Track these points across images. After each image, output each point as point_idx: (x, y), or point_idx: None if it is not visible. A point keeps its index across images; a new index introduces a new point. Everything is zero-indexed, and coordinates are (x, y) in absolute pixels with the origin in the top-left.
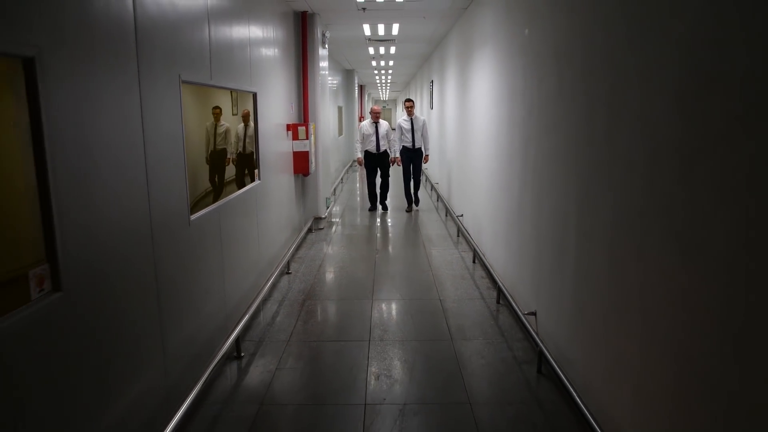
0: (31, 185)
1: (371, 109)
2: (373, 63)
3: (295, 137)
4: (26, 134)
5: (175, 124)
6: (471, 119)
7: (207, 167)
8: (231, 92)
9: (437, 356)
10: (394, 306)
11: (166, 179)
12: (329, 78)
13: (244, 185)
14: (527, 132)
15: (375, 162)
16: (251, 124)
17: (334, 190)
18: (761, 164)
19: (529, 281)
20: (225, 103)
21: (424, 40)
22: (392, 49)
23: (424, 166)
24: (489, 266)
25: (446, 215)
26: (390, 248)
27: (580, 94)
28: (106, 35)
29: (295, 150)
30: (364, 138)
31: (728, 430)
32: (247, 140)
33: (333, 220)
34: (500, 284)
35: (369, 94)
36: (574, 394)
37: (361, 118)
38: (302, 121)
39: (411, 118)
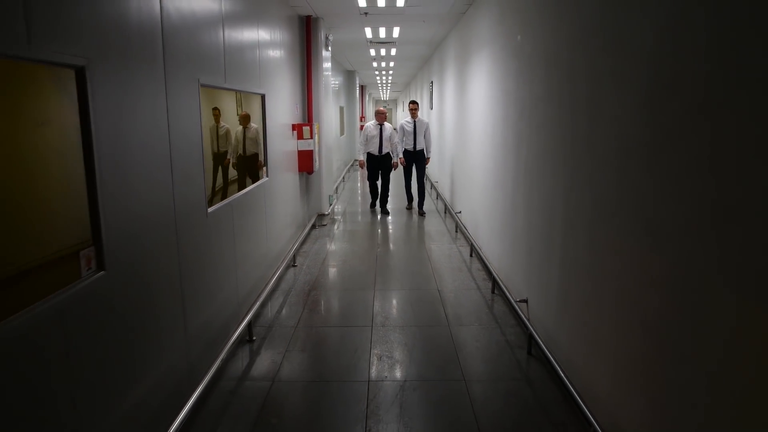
0: (80, 178)
1: (377, 110)
2: (374, 64)
3: (300, 137)
4: (76, 134)
5: (195, 124)
6: (468, 119)
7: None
8: (236, 93)
9: (435, 340)
10: (395, 296)
11: (187, 174)
12: (332, 79)
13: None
14: (519, 132)
15: (376, 164)
16: (251, 126)
17: (336, 188)
18: (709, 157)
19: (521, 271)
20: (229, 103)
21: (424, 42)
22: (393, 51)
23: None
24: (485, 259)
25: (445, 212)
26: (391, 244)
27: (566, 97)
28: (139, 45)
29: (299, 149)
30: (368, 140)
31: (685, 392)
32: (247, 142)
33: (335, 217)
34: (495, 275)
35: (370, 95)
36: (561, 372)
37: (363, 118)
38: (306, 121)
39: (414, 121)
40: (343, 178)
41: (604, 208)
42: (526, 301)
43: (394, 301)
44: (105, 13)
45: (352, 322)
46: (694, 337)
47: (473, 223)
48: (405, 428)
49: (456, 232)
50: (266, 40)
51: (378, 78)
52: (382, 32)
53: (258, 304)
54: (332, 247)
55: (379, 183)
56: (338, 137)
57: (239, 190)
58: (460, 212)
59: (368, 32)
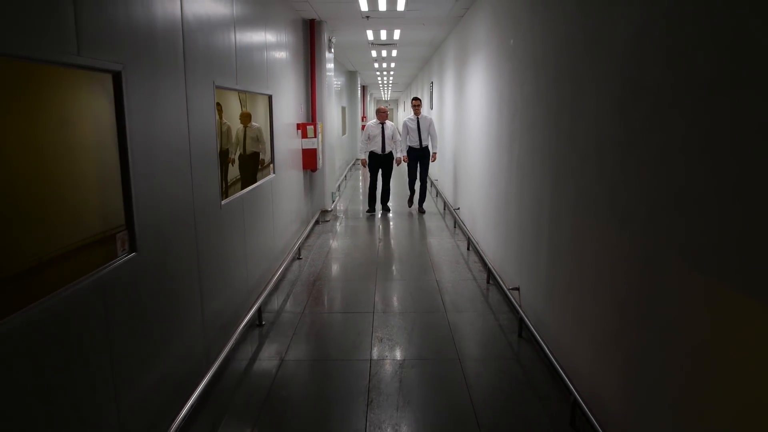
0: (116, 170)
1: (378, 109)
2: (376, 65)
3: (304, 135)
4: (112, 133)
5: (210, 122)
6: (466, 119)
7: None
8: (238, 93)
9: (433, 324)
10: (395, 285)
11: (203, 168)
12: (334, 80)
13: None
14: (512, 130)
15: (378, 163)
16: (252, 125)
17: (339, 186)
18: (670, 152)
19: (514, 261)
20: (230, 100)
21: (424, 44)
22: (394, 52)
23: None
24: (481, 252)
25: (445, 209)
26: (392, 238)
27: (552, 97)
28: (164, 50)
29: (304, 147)
30: (370, 139)
31: (652, 363)
32: (247, 141)
33: (338, 214)
34: (490, 266)
35: (371, 95)
36: (547, 351)
37: (364, 118)
38: (310, 120)
39: (417, 117)
40: (345, 176)
41: (585, 198)
42: (518, 288)
43: (395, 290)
44: (138, 20)
45: (354, 309)
46: (661, 312)
47: (471, 219)
48: (404, 400)
49: (455, 228)
50: (273, 43)
51: (379, 78)
52: (383, 34)
53: (266, 292)
54: (335, 241)
55: (379, 183)
56: (340, 136)
57: (242, 188)
58: (458, 209)
59: (370, 34)
